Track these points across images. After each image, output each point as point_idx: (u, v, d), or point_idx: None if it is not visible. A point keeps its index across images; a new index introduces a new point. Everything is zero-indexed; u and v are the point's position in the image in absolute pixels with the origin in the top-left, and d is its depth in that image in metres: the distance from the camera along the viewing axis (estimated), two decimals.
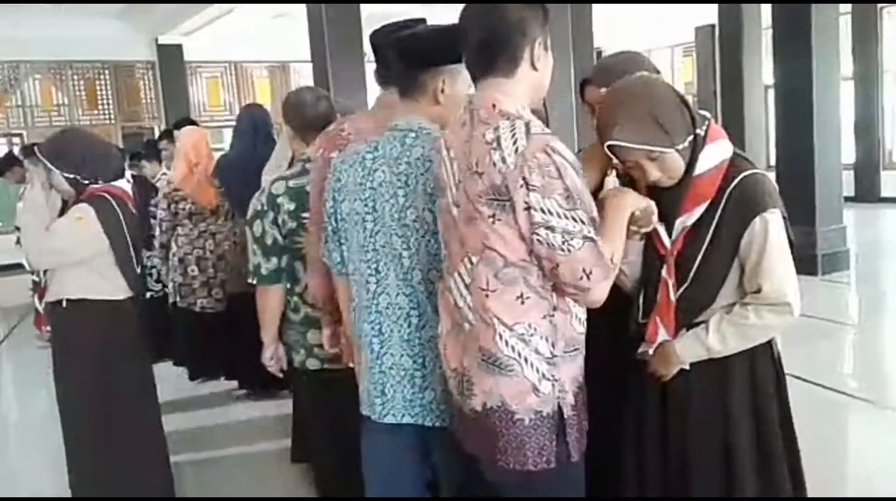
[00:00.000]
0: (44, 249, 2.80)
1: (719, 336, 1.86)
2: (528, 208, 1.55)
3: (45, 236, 2.78)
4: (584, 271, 1.56)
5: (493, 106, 1.63)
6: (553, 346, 1.65)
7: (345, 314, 2.18)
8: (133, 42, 12.20)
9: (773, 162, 7.65)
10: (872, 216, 11.11)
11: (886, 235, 10.07)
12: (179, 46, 12.48)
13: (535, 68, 1.68)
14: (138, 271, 3.03)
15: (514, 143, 1.56)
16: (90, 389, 2.92)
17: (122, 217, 2.90)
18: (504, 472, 1.68)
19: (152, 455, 3.16)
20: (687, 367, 1.92)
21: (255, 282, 2.70)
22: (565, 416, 1.67)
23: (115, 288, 2.94)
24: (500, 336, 1.62)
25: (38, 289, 5.96)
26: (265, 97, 13.79)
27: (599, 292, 1.62)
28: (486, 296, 1.62)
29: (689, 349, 1.90)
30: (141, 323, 3.15)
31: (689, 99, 1.85)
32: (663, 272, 1.88)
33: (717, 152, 1.81)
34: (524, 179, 1.54)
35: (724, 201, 1.80)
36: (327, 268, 2.18)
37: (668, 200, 1.85)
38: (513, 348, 1.62)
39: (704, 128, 1.81)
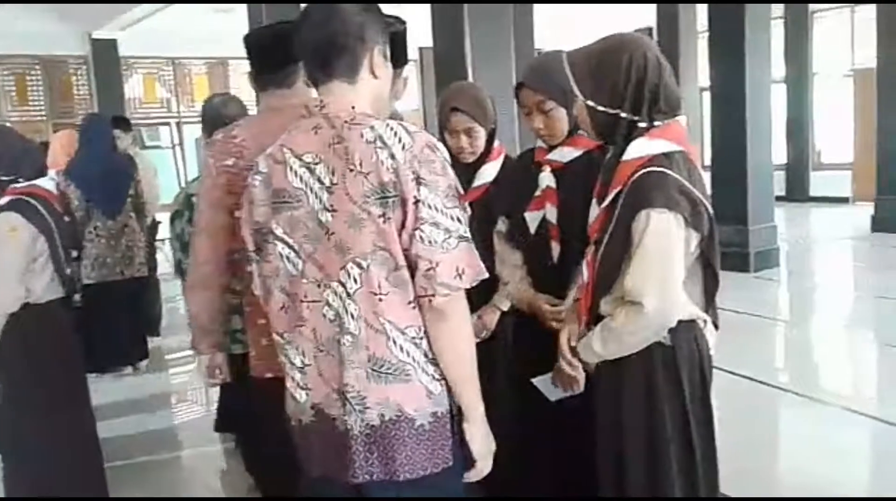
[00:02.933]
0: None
1: (600, 338, 1.84)
2: (416, 203, 1.52)
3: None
4: (457, 269, 1.54)
5: (353, 107, 1.61)
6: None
7: None
8: (65, 36, 11.81)
9: (707, 162, 7.82)
10: (802, 215, 11.49)
11: (816, 233, 10.41)
12: (114, 41, 12.12)
13: (374, 76, 1.66)
14: (69, 272, 2.95)
15: (400, 140, 1.54)
16: (21, 393, 2.84)
17: (49, 219, 2.82)
18: (402, 487, 1.59)
19: (86, 458, 3.08)
20: (590, 369, 1.93)
21: (178, 276, 2.86)
22: (454, 413, 1.64)
23: (45, 291, 2.87)
24: (395, 342, 1.56)
25: None
26: (203, 94, 13.53)
27: (458, 306, 1.57)
28: (380, 300, 1.55)
29: (583, 349, 1.90)
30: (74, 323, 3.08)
31: (661, 88, 1.79)
32: (588, 255, 1.91)
33: (648, 146, 1.77)
34: (415, 173, 1.53)
35: (625, 191, 1.78)
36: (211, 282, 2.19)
37: (585, 180, 1.94)
38: (407, 352, 1.57)
39: (661, 124, 1.78)
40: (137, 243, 5.31)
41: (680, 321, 1.80)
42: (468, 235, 1.58)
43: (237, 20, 8.87)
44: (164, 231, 6.38)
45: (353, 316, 1.57)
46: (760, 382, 4.47)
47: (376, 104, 1.70)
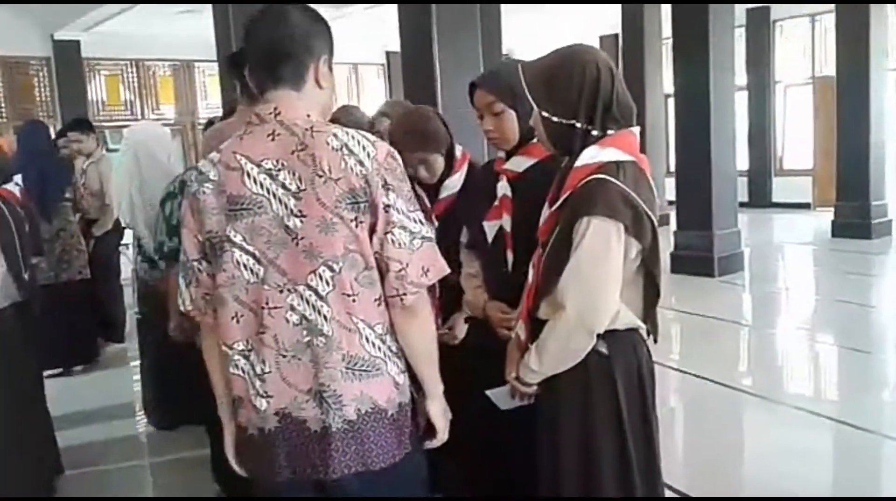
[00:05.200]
0: None
1: (535, 354, 1.84)
2: (386, 208, 1.60)
3: None
4: (423, 269, 1.63)
5: (308, 115, 1.65)
6: (398, 340, 1.70)
7: None
8: (27, 37, 11.59)
9: (672, 168, 7.91)
10: (765, 220, 11.68)
11: (778, 238, 10.58)
12: (77, 42, 11.93)
13: (319, 85, 1.70)
14: (26, 276, 2.88)
15: (364, 148, 1.60)
16: None
17: (10, 221, 2.76)
18: (376, 476, 1.66)
19: (40, 465, 3.03)
20: (531, 390, 1.92)
21: (158, 258, 2.95)
22: (416, 400, 1.75)
23: (1, 297, 2.81)
24: (367, 339, 1.64)
25: None
26: (168, 97, 13.38)
27: (423, 302, 1.67)
28: (353, 301, 1.61)
29: (523, 371, 1.90)
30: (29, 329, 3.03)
31: (614, 98, 1.81)
32: (535, 258, 1.92)
33: (599, 154, 1.78)
34: (383, 179, 1.60)
35: (572, 197, 1.78)
36: None
37: (540, 189, 1.92)
38: (378, 348, 1.65)
39: (612, 132, 1.80)
40: (76, 247, 5.30)
41: (617, 331, 1.81)
42: (430, 235, 1.67)
43: (203, 22, 8.78)
44: (127, 236, 6.34)
45: (325, 318, 1.61)
46: (724, 385, 4.52)
47: (322, 113, 1.73)
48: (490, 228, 2.30)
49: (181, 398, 3.63)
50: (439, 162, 2.53)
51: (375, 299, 1.64)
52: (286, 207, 1.60)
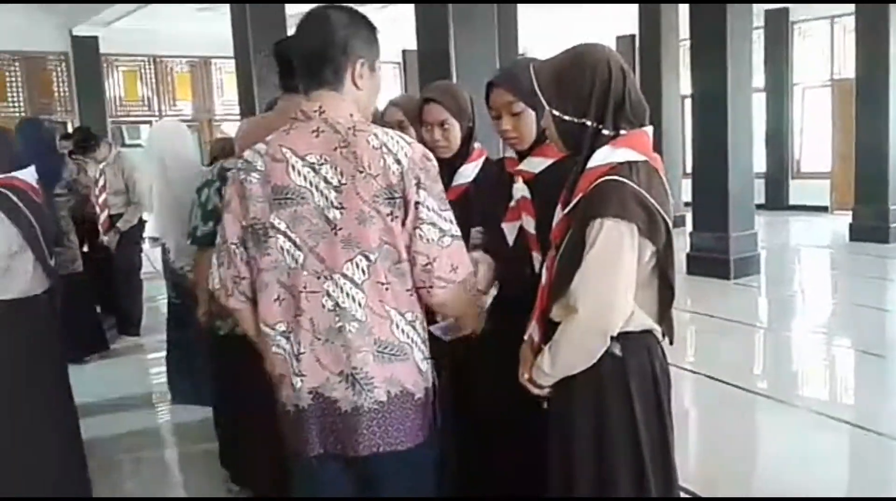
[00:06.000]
0: None
1: (547, 357, 1.82)
2: (417, 205, 1.71)
3: None
4: (452, 265, 1.76)
5: (351, 115, 1.77)
6: (425, 329, 1.85)
7: None
8: (46, 32, 11.70)
9: (689, 169, 7.87)
10: (781, 223, 11.61)
11: (795, 241, 10.52)
12: (95, 38, 12.03)
13: (357, 86, 1.80)
14: (52, 263, 2.93)
15: (402, 148, 1.72)
16: (6, 390, 2.80)
17: (27, 211, 2.79)
18: (400, 456, 1.78)
19: (69, 455, 3.05)
20: (544, 392, 1.90)
21: (191, 243, 3.05)
22: (437, 388, 1.89)
23: (30, 285, 2.84)
24: (397, 326, 1.76)
25: None
26: (185, 93, 13.45)
27: (454, 293, 1.79)
28: (386, 290, 1.74)
29: (536, 373, 1.88)
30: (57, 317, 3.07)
31: (627, 97, 1.78)
32: (548, 260, 1.91)
33: (611, 155, 1.76)
34: (417, 178, 1.72)
35: (584, 199, 1.76)
36: None
37: (557, 190, 1.90)
38: (407, 334, 1.78)
39: (626, 133, 1.78)
40: (64, 243, 5.32)
41: (631, 333, 1.79)
42: (459, 234, 1.79)
43: (220, 19, 8.83)
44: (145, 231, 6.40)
45: (360, 304, 1.73)
46: (739, 387, 4.50)
47: (361, 113, 1.82)
48: (510, 230, 2.28)
49: (199, 378, 3.90)
50: (456, 132, 2.52)
51: (407, 290, 1.77)
52: (327, 199, 1.72)
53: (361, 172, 1.70)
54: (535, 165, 2.22)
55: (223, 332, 3.03)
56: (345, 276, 1.73)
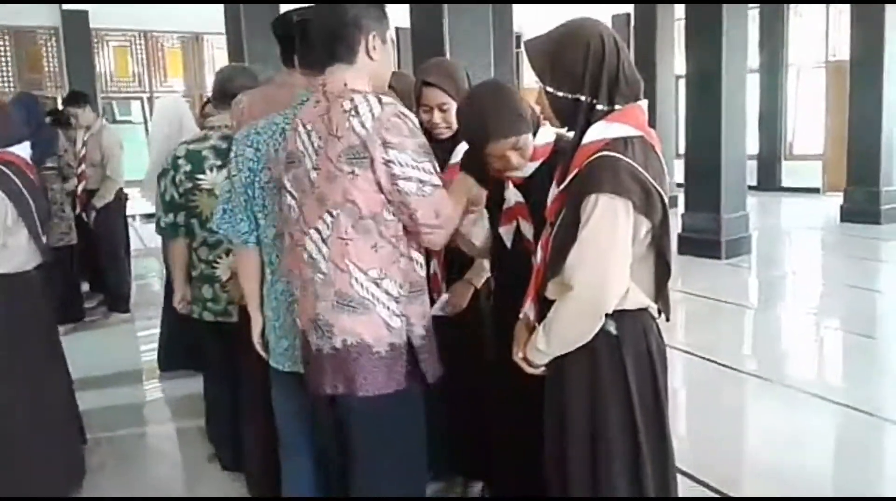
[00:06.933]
0: None
1: (542, 335, 1.82)
2: (387, 163, 1.81)
3: None
4: (435, 212, 1.87)
5: (345, 85, 1.90)
6: (400, 287, 1.92)
7: (247, 284, 2.34)
8: (35, 7, 11.57)
9: (682, 150, 7.85)
10: (773, 204, 11.64)
11: (786, 222, 10.54)
12: (85, 13, 11.89)
13: (371, 58, 1.93)
14: (45, 239, 2.93)
15: (371, 110, 1.82)
16: (8, 362, 2.82)
17: (22, 187, 2.77)
18: (359, 400, 1.91)
19: (65, 428, 3.07)
20: (539, 371, 1.90)
21: (158, 234, 3.14)
22: (416, 346, 1.95)
23: (24, 260, 2.85)
24: (357, 280, 1.87)
25: None
26: (177, 69, 13.33)
27: (442, 236, 1.94)
28: (346, 244, 1.86)
29: (530, 352, 1.88)
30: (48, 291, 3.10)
31: (621, 71, 1.76)
32: (542, 238, 1.90)
33: (606, 130, 1.74)
34: (382, 138, 1.80)
35: (579, 175, 1.75)
36: None
37: (548, 180, 1.91)
38: (367, 289, 1.88)
39: (621, 108, 1.76)
40: (57, 214, 5.39)
41: (626, 310, 1.78)
42: (440, 183, 1.89)
43: None
44: (132, 208, 6.36)
45: (324, 258, 1.90)
46: (729, 367, 4.53)
47: (376, 82, 1.96)
48: (506, 233, 2.27)
49: (186, 348, 4.02)
50: (455, 111, 2.37)
51: (372, 246, 1.87)
52: (311, 161, 1.91)
53: (332, 134, 1.84)
54: (525, 169, 2.19)
55: (210, 318, 3.07)
56: (316, 230, 1.91)
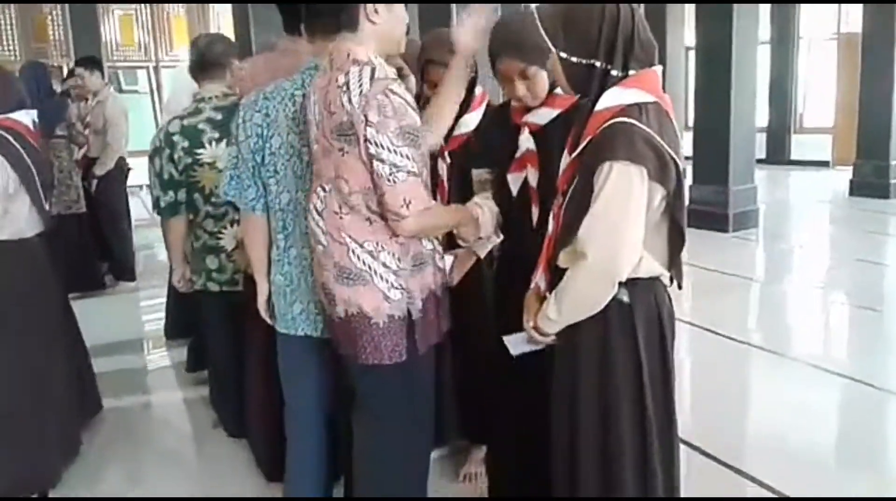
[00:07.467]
0: None
1: (553, 303, 1.79)
2: (366, 141, 1.81)
3: None
4: (404, 200, 1.84)
5: (348, 55, 1.89)
6: (399, 260, 1.94)
7: (254, 252, 2.32)
8: None
9: (691, 122, 7.79)
10: (782, 177, 11.57)
11: (795, 195, 10.48)
12: None
13: (372, 22, 1.91)
14: (47, 206, 2.92)
15: (360, 86, 1.82)
16: (9, 331, 2.81)
17: (24, 153, 2.76)
18: (364, 368, 1.98)
19: (63, 401, 3.07)
20: (549, 340, 1.88)
21: (157, 214, 3.05)
22: (414, 318, 1.97)
23: (24, 227, 2.83)
24: (353, 252, 1.91)
25: None
26: (182, 38, 13.25)
27: (413, 225, 1.88)
28: (340, 219, 1.91)
29: (541, 320, 1.85)
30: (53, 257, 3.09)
31: (636, 35, 1.71)
32: (555, 206, 1.87)
33: (621, 96, 1.70)
34: (365, 116, 1.80)
35: (593, 141, 1.72)
36: None
37: (563, 143, 1.86)
38: (364, 262, 1.91)
39: (633, 72, 1.72)
40: (66, 182, 5.42)
41: (639, 279, 1.76)
42: (416, 170, 1.86)
43: None
44: (138, 178, 6.35)
45: (322, 230, 1.95)
46: (735, 339, 4.53)
47: (383, 45, 1.96)
48: (514, 180, 2.24)
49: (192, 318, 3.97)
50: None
51: (366, 219, 1.90)
52: (314, 133, 1.95)
53: (327, 109, 1.87)
54: (542, 116, 2.16)
55: (215, 289, 3.08)
56: (314, 204, 1.97)
